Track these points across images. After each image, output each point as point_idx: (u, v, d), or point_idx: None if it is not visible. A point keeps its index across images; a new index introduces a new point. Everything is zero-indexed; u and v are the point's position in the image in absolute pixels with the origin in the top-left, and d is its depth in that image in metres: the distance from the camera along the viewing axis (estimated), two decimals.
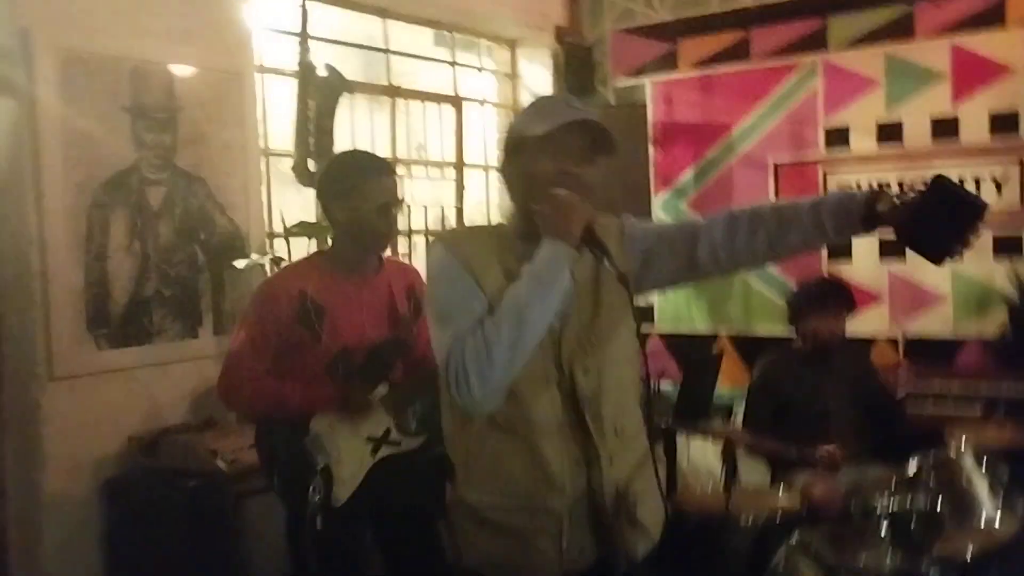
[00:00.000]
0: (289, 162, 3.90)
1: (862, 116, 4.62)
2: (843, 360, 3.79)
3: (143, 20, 3.31)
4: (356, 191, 2.48)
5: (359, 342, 2.54)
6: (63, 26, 3.07)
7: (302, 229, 3.63)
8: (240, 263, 3.44)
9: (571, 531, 1.79)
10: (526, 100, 5.49)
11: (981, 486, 2.94)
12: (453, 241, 1.88)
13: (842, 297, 3.77)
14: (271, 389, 2.49)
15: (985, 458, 3.07)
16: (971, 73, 4.33)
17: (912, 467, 3.01)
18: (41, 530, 3.06)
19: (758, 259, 1.87)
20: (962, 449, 3.03)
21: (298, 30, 3.92)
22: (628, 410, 1.88)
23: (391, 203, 2.53)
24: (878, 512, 2.98)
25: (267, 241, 3.82)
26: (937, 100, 4.42)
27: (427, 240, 4.64)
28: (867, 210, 1.68)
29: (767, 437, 3.59)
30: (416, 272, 2.79)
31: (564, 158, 1.75)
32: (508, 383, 1.69)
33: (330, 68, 3.92)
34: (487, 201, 5.41)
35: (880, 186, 4.58)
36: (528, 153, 1.77)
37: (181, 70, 3.41)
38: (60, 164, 3.04)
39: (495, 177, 5.35)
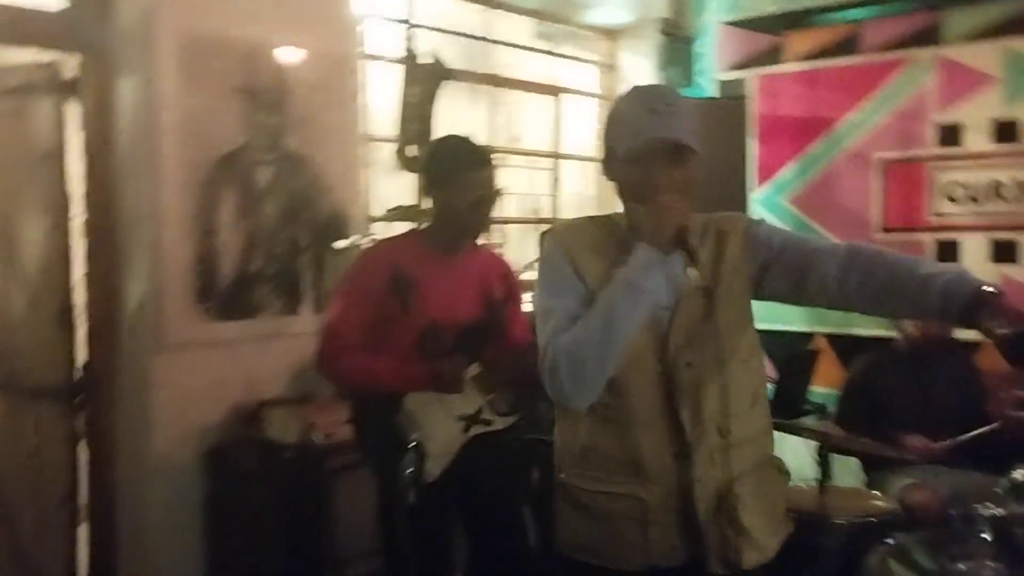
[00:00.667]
0: (389, 148, 3.99)
1: (977, 113, 4.44)
2: (945, 362, 3.67)
3: (256, 5, 3.41)
4: (454, 182, 2.54)
5: (448, 319, 2.58)
6: (183, 9, 3.19)
7: (399, 213, 3.69)
8: (340, 244, 3.52)
9: (658, 523, 1.79)
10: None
11: None
12: (563, 232, 1.93)
13: None
14: (365, 363, 2.55)
15: None
16: None
17: (1019, 476, 2.90)
18: (147, 493, 3.20)
19: (865, 309, 1.83)
20: None
21: (403, 18, 4.01)
22: (739, 412, 1.84)
23: (487, 196, 2.58)
24: (980, 520, 2.88)
25: (366, 224, 3.90)
26: None
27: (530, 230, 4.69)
28: (967, 315, 1.63)
29: (863, 439, 3.50)
30: (510, 265, 2.84)
31: (651, 168, 1.78)
32: (603, 381, 1.73)
33: (434, 56, 3.98)
34: (583, 192, 5.41)
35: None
36: (619, 162, 1.82)
37: (291, 54, 3.51)
38: (177, 142, 3.17)
39: (592, 168, 5.34)
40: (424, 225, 2.79)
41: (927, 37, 4.57)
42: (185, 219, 3.20)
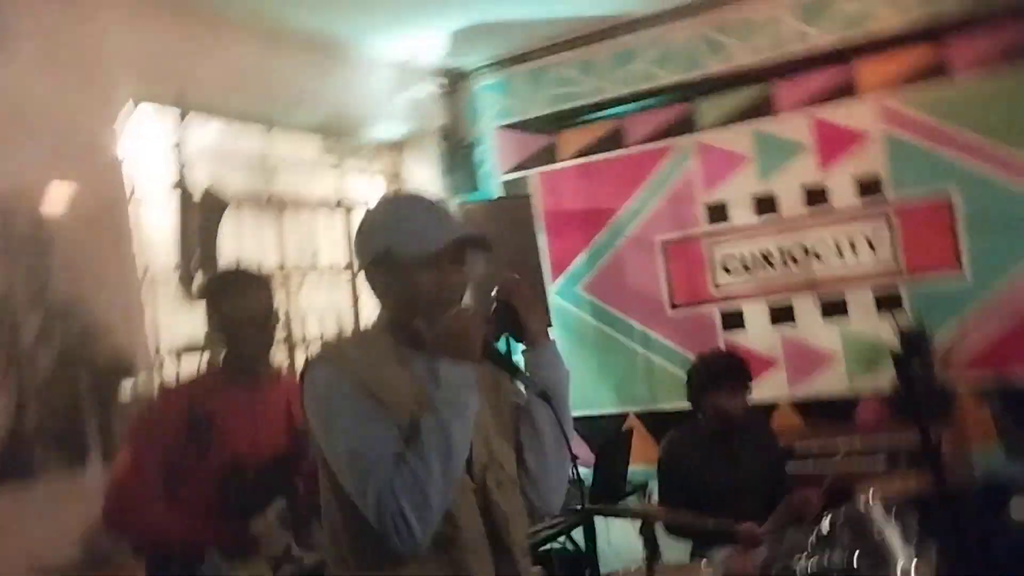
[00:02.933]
0: (173, 280, 3.81)
1: (738, 190, 4.82)
2: (745, 433, 3.83)
3: (8, 154, 3.21)
4: (230, 305, 2.52)
5: (251, 452, 2.46)
6: None
7: (192, 347, 3.52)
8: (126, 389, 3.30)
9: None
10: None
11: (893, 537, 2.98)
12: (339, 359, 1.75)
13: (739, 371, 3.82)
14: (161, 521, 2.39)
15: (894, 509, 3.13)
16: (833, 142, 4.58)
17: (825, 526, 3.04)
18: None
19: None
20: (870, 502, 3.08)
21: (175, 145, 3.89)
22: (525, 527, 1.84)
23: (264, 315, 2.55)
24: (798, 575, 3.00)
25: (154, 362, 3.68)
26: (805, 170, 4.65)
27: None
28: None
29: (682, 512, 3.58)
30: None
31: (445, 269, 1.73)
32: (449, 503, 1.64)
33: (208, 189, 3.89)
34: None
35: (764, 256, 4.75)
36: (405, 268, 1.73)
37: (51, 201, 3.32)
38: None
39: None
40: (216, 360, 2.68)
41: (684, 126, 4.95)
42: None
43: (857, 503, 3.10)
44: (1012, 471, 3.51)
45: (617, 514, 3.43)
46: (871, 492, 3.15)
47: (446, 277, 1.74)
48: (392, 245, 1.74)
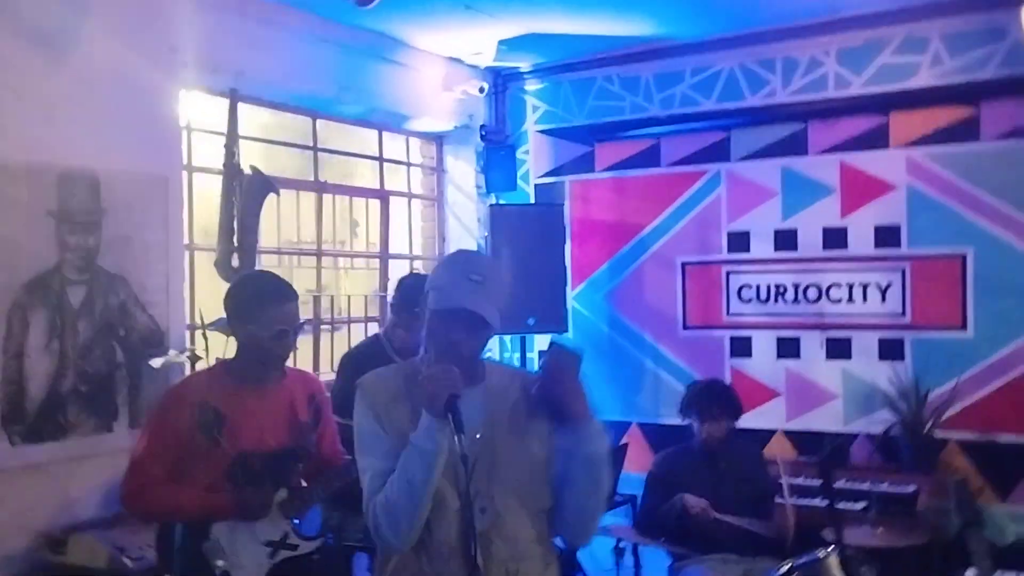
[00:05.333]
0: (213, 258, 4.06)
1: (761, 223, 4.95)
2: (732, 456, 4.02)
3: (72, 127, 3.45)
4: (255, 316, 2.65)
5: (258, 448, 2.67)
6: None
7: (219, 327, 3.75)
8: (156, 362, 3.55)
9: None
10: (452, 194, 5.74)
11: None
12: (369, 385, 2.08)
13: (727, 404, 4.04)
14: (170, 496, 2.61)
15: (852, 559, 3.30)
16: (857, 188, 4.69)
17: (783, 568, 3.22)
18: None
19: None
20: (828, 551, 3.25)
21: (226, 130, 4.12)
22: (528, 554, 2.03)
23: (288, 329, 2.68)
24: None
25: (187, 335, 3.94)
26: (828, 212, 4.77)
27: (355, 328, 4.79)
28: None
29: (656, 527, 3.82)
30: (317, 381, 2.96)
31: (445, 330, 1.98)
32: (420, 527, 1.93)
33: (255, 170, 4.11)
34: None
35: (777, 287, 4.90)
36: (428, 316, 2.01)
37: (108, 174, 3.56)
38: None
39: (419, 265, 5.57)
40: (230, 357, 2.86)
41: (719, 153, 5.08)
42: None
43: (817, 552, 3.27)
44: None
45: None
46: (830, 548, 3.32)
47: (443, 337, 1.99)
48: (426, 289, 2.04)
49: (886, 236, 4.62)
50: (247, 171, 4.10)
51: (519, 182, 5.65)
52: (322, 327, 4.95)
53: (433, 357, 2.00)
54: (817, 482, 4.39)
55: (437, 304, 1.99)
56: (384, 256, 5.37)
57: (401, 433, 1.95)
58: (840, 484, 4.35)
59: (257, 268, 4.09)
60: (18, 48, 3.31)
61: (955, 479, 3.13)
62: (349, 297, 5.23)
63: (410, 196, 5.61)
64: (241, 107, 4.19)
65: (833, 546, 3.27)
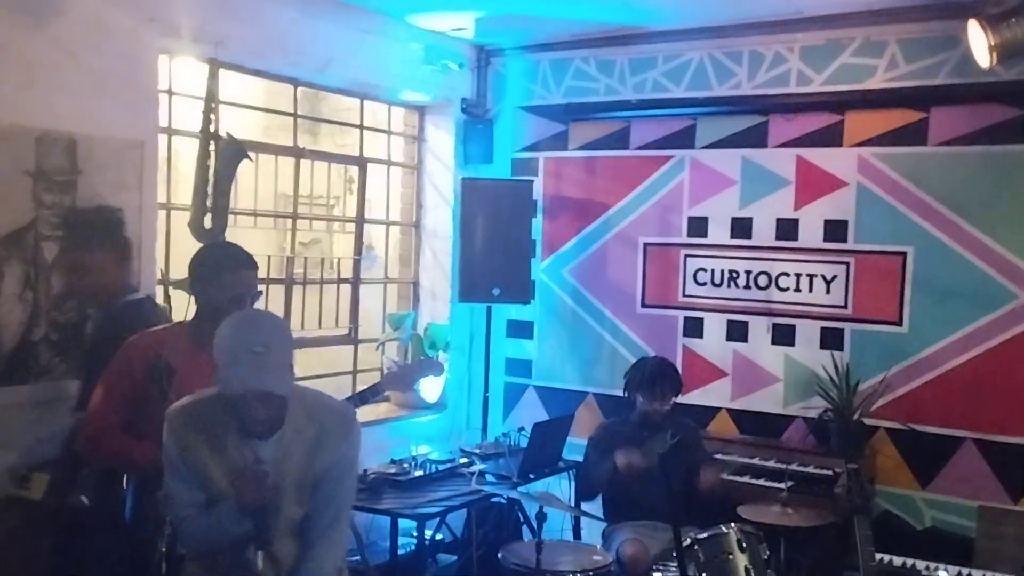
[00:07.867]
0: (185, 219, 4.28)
1: (719, 209, 5.14)
2: (669, 429, 4.26)
3: (51, 90, 3.66)
4: (214, 281, 2.86)
5: None
6: None
7: (183, 286, 3.98)
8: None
9: None
10: (430, 162, 5.94)
11: (740, 563, 3.41)
12: (175, 418, 2.44)
13: (669, 383, 4.31)
14: (125, 446, 2.84)
15: (751, 537, 3.55)
16: (811, 182, 4.86)
17: (687, 539, 3.48)
18: None
19: None
20: (730, 527, 3.51)
21: (205, 94, 4.31)
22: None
23: (244, 294, 2.88)
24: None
25: (160, 294, 4.17)
26: (782, 203, 4.95)
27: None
28: None
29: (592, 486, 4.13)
30: None
31: (249, 409, 2.33)
32: None
33: (229, 136, 4.31)
34: (385, 253, 5.85)
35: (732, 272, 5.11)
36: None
37: (85, 136, 3.77)
38: None
39: (394, 231, 5.79)
40: (189, 319, 3.08)
41: (685, 140, 5.25)
42: None
43: (719, 528, 3.53)
44: None
45: (526, 499, 3.95)
46: (734, 524, 3.57)
47: (249, 415, 2.37)
48: (216, 364, 2.38)
49: (835, 230, 4.80)
50: (221, 137, 4.30)
51: (496, 156, 5.83)
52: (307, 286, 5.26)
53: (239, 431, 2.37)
54: (749, 460, 4.65)
55: (227, 389, 2.27)
56: (360, 221, 5.59)
57: (198, 471, 2.38)
58: (771, 464, 4.61)
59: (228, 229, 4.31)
60: None
61: (849, 466, 3.33)
62: (339, 260, 5.49)
63: (389, 164, 5.81)
64: (236, 75, 4.37)
65: (734, 523, 3.54)
